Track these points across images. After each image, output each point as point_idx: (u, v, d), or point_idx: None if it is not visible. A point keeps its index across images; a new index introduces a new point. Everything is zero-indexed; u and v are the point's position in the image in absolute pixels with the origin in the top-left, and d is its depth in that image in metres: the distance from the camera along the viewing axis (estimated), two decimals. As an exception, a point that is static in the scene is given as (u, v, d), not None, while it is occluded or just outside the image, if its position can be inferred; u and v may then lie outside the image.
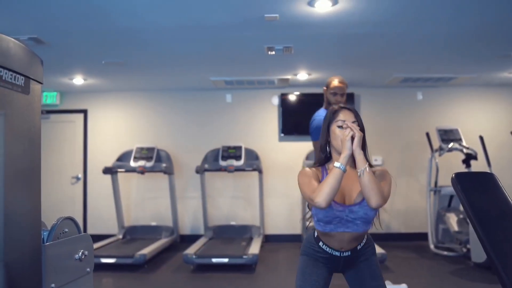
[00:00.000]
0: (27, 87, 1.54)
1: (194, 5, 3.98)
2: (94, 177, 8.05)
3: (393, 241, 7.39)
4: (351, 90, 7.94)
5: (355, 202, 2.25)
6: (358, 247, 2.35)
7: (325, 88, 4.36)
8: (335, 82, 4.27)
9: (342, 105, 2.40)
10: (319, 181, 2.29)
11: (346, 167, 2.18)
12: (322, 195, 2.12)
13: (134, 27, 4.60)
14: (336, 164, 2.15)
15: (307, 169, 2.36)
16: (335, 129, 2.32)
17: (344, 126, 2.25)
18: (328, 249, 2.34)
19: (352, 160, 2.27)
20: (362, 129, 2.30)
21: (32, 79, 1.57)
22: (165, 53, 5.65)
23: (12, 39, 1.49)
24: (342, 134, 2.26)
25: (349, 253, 2.34)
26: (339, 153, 2.27)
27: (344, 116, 2.32)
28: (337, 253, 2.34)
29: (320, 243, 2.36)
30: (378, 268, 2.40)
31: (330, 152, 2.38)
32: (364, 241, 2.37)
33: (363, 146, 2.28)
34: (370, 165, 2.30)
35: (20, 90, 1.50)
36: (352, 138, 2.18)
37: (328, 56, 5.98)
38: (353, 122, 2.30)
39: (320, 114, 4.26)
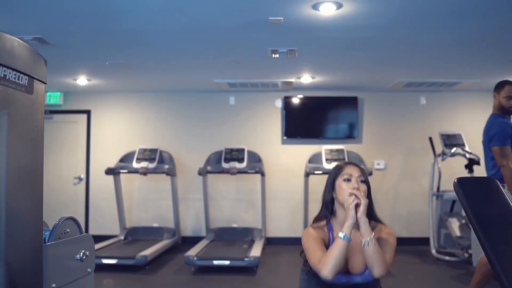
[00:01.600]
0: (30, 87, 1.54)
1: (198, 7, 3.99)
2: (96, 177, 8.06)
3: (395, 246, 7.36)
4: (354, 94, 7.95)
5: (358, 273, 2.24)
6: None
7: (495, 93, 4.17)
8: (508, 87, 4.08)
9: (347, 161, 2.39)
10: (324, 243, 2.28)
11: (351, 232, 2.17)
12: (327, 268, 2.12)
13: (138, 29, 4.61)
14: (340, 234, 2.11)
15: (311, 230, 2.33)
16: (341, 183, 2.30)
17: (350, 192, 2.19)
18: None
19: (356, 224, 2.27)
20: (367, 184, 2.30)
21: (36, 79, 1.58)
22: (169, 55, 5.66)
23: (17, 39, 1.49)
24: (348, 187, 2.26)
25: None
26: (344, 208, 2.25)
27: (350, 170, 2.31)
28: None
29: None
30: None
31: (334, 209, 2.36)
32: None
33: (370, 197, 2.30)
34: (376, 220, 2.33)
35: (24, 90, 1.50)
36: (357, 205, 2.15)
37: (332, 60, 5.98)
38: (359, 176, 2.29)
39: (496, 119, 4.07)
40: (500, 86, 4.16)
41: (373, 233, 2.14)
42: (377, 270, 2.14)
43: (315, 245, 2.25)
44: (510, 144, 3.96)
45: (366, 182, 2.31)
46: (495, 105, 4.20)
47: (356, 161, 7.19)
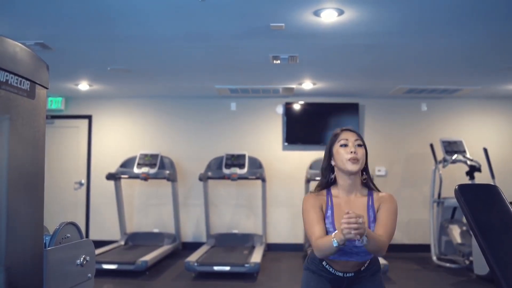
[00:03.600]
0: (32, 91, 1.55)
1: (200, 14, 4.00)
2: (97, 182, 8.05)
3: (396, 252, 7.36)
4: (355, 100, 7.95)
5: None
6: (362, 268, 2.33)
7: None
8: None
9: (344, 127, 2.38)
10: (323, 211, 2.28)
11: (351, 195, 2.26)
12: (318, 252, 2.17)
13: (140, 35, 4.62)
14: (334, 242, 2.03)
15: (311, 198, 2.33)
16: (338, 149, 2.30)
17: (345, 227, 2.00)
18: (331, 269, 2.32)
19: (359, 186, 2.31)
20: (365, 148, 2.31)
21: (38, 84, 1.58)
22: (171, 60, 5.67)
23: (19, 44, 1.50)
24: (346, 152, 2.26)
25: (353, 274, 2.32)
26: (344, 172, 2.27)
27: (347, 135, 2.31)
28: (340, 274, 2.32)
29: (324, 263, 2.34)
30: (382, 284, 2.38)
31: (333, 176, 2.36)
32: (368, 262, 2.35)
33: (365, 168, 2.32)
34: (374, 188, 2.33)
35: (26, 94, 1.51)
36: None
37: (333, 66, 5.99)
38: (355, 140, 2.29)
39: None
40: None
41: (367, 231, 2.07)
42: (380, 253, 2.18)
43: (313, 217, 2.25)
44: None
45: (363, 145, 2.31)
46: None
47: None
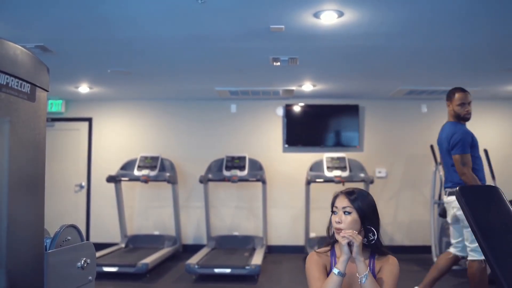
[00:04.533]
0: (33, 94, 1.55)
1: (199, 16, 4.00)
2: (97, 185, 8.05)
3: (396, 254, 7.27)
4: (356, 102, 7.96)
5: None
6: None
7: (448, 102, 4.23)
8: (462, 94, 4.15)
9: (343, 189, 2.32)
10: (326, 270, 2.27)
11: (347, 265, 2.16)
12: None
13: (140, 37, 4.63)
14: (335, 270, 2.10)
15: (315, 256, 2.32)
16: (332, 216, 2.30)
17: (340, 233, 2.15)
18: None
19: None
20: (363, 211, 2.24)
21: (38, 87, 1.58)
22: (171, 63, 5.68)
23: (19, 47, 1.50)
24: (334, 220, 2.25)
25: None
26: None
27: (338, 202, 2.27)
28: None
29: None
30: None
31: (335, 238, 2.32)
32: None
33: (374, 224, 2.26)
34: (381, 252, 2.29)
35: (26, 97, 1.51)
36: (350, 244, 2.12)
37: (333, 68, 5.99)
38: (344, 208, 2.23)
39: (456, 127, 4.16)
40: (451, 94, 4.23)
41: (368, 270, 2.11)
42: None
43: (315, 273, 2.24)
44: (470, 152, 4.06)
45: (357, 210, 2.23)
46: (450, 114, 4.26)
47: (357, 169, 7.20)
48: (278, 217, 7.95)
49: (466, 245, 4.11)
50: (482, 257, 3.93)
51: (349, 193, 2.27)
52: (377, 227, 2.27)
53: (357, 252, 2.10)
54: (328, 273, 2.27)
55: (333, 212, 2.29)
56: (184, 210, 7.94)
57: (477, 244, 3.93)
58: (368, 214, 2.24)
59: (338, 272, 2.10)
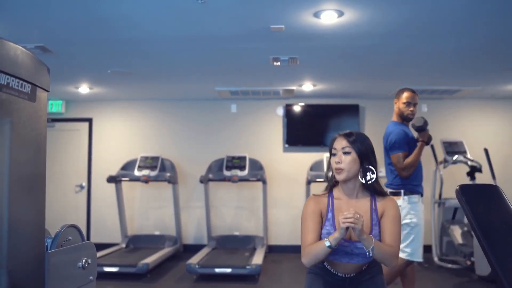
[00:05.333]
0: (33, 94, 1.55)
1: (200, 16, 4.00)
2: (98, 185, 8.06)
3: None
4: (356, 101, 7.96)
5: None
6: (363, 268, 2.33)
7: (395, 100, 4.24)
8: (409, 94, 4.15)
9: (341, 132, 2.37)
10: (322, 216, 2.29)
11: (352, 197, 2.25)
12: (307, 259, 2.21)
13: (140, 37, 4.63)
14: (326, 242, 2.10)
15: (311, 202, 2.33)
16: (331, 159, 2.34)
17: (342, 220, 2.08)
18: (333, 270, 2.33)
19: (360, 189, 2.30)
20: (362, 152, 2.28)
21: (39, 87, 1.58)
22: (171, 63, 5.68)
23: (20, 47, 1.50)
24: (334, 162, 2.29)
25: (354, 275, 2.33)
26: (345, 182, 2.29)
27: (337, 144, 2.32)
28: (342, 275, 2.33)
29: (325, 264, 2.34)
30: (384, 286, 2.38)
31: (336, 180, 2.35)
32: (368, 264, 2.34)
33: (372, 164, 2.30)
34: (380, 193, 2.31)
35: (27, 97, 1.51)
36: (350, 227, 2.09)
37: (333, 68, 5.99)
38: (342, 148, 2.28)
39: (394, 127, 4.17)
40: (400, 93, 4.22)
41: (374, 241, 2.11)
42: (389, 263, 2.17)
43: (308, 224, 2.28)
44: (407, 151, 4.07)
45: (356, 150, 2.27)
46: (395, 112, 4.27)
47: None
48: (278, 217, 7.95)
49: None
50: (408, 258, 4.00)
51: (347, 135, 2.32)
52: (376, 168, 2.31)
53: (359, 234, 2.08)
54: (323, 216, 2.29)
55: (332, 154, 2.32)
56: (184, 210, 7.94)
57: (405, 244, 3.93)
58: (366, 155, 2.30)
59: (329, 246, 2.11)
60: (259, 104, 8.06)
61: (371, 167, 2.28)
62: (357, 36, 4.55)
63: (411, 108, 4.15)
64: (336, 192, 2.35)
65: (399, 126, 4.16)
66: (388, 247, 2.16)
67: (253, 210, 7.97)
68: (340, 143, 2.30)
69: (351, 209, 2.10)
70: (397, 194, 4.04)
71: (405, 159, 4.04)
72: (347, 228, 2.06)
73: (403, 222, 3.96)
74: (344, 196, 2.32)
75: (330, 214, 2.28)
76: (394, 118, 4.27)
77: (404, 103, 4.14)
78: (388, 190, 4.17)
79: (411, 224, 4.02)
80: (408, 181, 4.06)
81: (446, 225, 6.86)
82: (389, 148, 4.14)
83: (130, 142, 8.13)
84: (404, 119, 4.21)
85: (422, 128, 4.22)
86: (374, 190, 2.31)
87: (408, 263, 4.04)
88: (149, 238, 7.66)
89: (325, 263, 2.34)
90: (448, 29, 4.36)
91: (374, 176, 2.27)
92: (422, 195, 4.22)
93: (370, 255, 2.10)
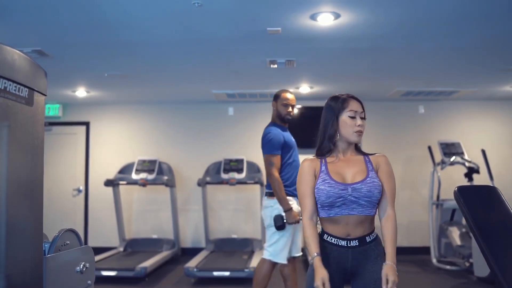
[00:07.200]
0: (31, 98, 1.54)
1: (196, 19, 4.00)
2: (95, 189, 8.04)
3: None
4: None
5: (358, 180, 2.27)
6: (367, 239, 2.31)
7: (274, 102, 4.22)
8: (288, 95, 4.16)
9: (349, 94, 2.43)
10: (315, 176, 2.34)
11: (346, 155, 2.37)
12: (304, 235, 2.37)
13: (136, 40, 4.63)
14: (314, 254, 2.24)
15: (306, 164, 2.39)
16: (346, 119, 2.34)
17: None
18: (334, 239, 2.29)
19: (353, 149, 2.40)
20: (365, 119, 2.38)
21: (36, 91, 1.58)
22: (167, 66, 5.68)
23: (17, 51, 1.50)
24: (353, 124, 2.32)
25: (357, 242, 2.28)
26: (347, 142, 2.35)
27: (355, 106, 2.36)
28: (344, 243, 2.28)
29: (325, 236, 2.32)
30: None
31: (334, 143, 2.38)
32: (373, 234, 2.33)
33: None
34: (364, 152, 2.42)
35: (24, 101, 1.51)
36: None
37: (330, 70, 6.00)
38: (361, 112, 2.36)
39: (269, 128, 4.14)
40: (279, 94, 4.21)
41: (393, 263, 2.32)
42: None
43: (305, 188, 2.34)
44: (280, 153, 4.06)
45: (364, 117, 2.39)
46: (273, 114, 4.26)
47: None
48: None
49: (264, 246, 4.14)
50: (270, 258, 4.01)
51: (359, 100, 2.42)
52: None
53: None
54: (319, 172, 2.34)
55: (350, 117, 2.34)
56: (182, 214, 7.92)
57: (269, 244, 3.95)
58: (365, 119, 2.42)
59: (313, 257, 2.23)
60: (256, 107, 8.06)
61: None
62: (353, 38, 4.56)
63: (289, 109, 4.16)
64: (328, 157, 2.40)
65: (276, 128, 4.14)
66: (391, 231, 2.37)
67: (251, 213, 7.96)
68: (359, 107, 2.37)
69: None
70: (272, 195, 4.01)
71: (277, 162, 4.02)
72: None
73: (272, 222, 3.96)
74: (339, 155, 2.38)
75: (323, 167, 2.33)
76: (273, 119, 4.26)
77: (283, 104, 4.15)
78: (266, 190, 4.16)
79: None
80: (284, 183, 4.01)
81: (444, 227, 6.86)
82: (262, 149, 4.12)
83: (127, 146, 8.12)
84: (283, 120, 4.20)
85: (282, 227, 4.03)
86: (363, 151, 2.44)
87: (272, 264, 4.04)
88: (147, 241, 7.65)
89: (325, 236, 2.33)
90: (443, 31, 4.37)
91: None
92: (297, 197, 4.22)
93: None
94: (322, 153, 2.42)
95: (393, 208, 2.38)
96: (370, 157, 2.39)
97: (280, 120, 4.21)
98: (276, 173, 3.97)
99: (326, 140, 2.41)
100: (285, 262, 4.06)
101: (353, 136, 2.33)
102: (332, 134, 2.38)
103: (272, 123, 4.22)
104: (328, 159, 2.37)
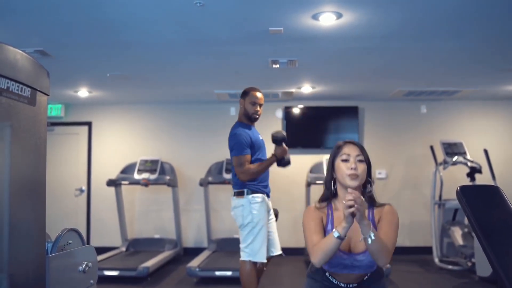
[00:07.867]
0: (33, 98, 1.55)
1: (198, 19, 4.01)
2: (98, 189, 8.05)
3: (397, 255, 7.27)
4: (355, 103, 7.96)
5: (360, 251, 2.21)
6: (365, 278, 2.32)
7: (241, 99, 4.18)
8: (257, 93, 4.13)
9: (347, 140, 2.36)
10: (323, 224, 2.28)
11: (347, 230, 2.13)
12: (317, 257, 2.14)
13: (138, 41, 4.63)
14: (335, 233, 2.06)
15: (312, 209, 2.33)
16: (339, 164, 2.27)
17: (347, 202, 2.04)
18: (334, 280, 2.32)
19: None
20: (368, 162, 2.29)
21: (39, 91, 1.58)
22: (170, 66, 5.68)
23: (20, 51, 1.50)
24: (347, 167, 2.24)
25: (356, 285, 2.31)
26: (345, 187, 2.24)
27: (349, 150, 2.28)
28: (344, 285, 2.31)
29: (327, 274, 2.33)
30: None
31: (335, 188, 2.33)
32: (370, 273, 2.33)
33: (370, 177, 2.30)
34: (376, 205, 2.31)
35: (27, 101, 1.51)
36: (354, 214, 2.03)
37: (332, 69, 5.99)
38: (357, 155, 2.26)
39: (236, 129, 4.10)
40: (247, 92, 4.17)
41: (374, 230, 2.08)
42: (382, 261, 2.13)
43: (312, 227, 2.25)
44: (249, 152, 4.04)
45: (365, 161, 2.28)
46: (240, 112, 4.22)
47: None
48: (278, 219, 7.92)
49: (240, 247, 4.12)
50: (249, 258, 4.01)
51: (356, 143, 2.34)
52: (372, 180, 2.34)
53: (361, 218, 2.04)
54: (324, 226, 2.28)
55: (343, 160, 2.27)
56: (184, 213, 7.93)
57: (246, 245, 3.94)
58: (370, 166, 2.31)
59: (338, 236, 2.06)
60: (258, 107, 8.05)
61: (370, 179, 2.31)
62: (355, 38, 4.56)
63: (257, 108, 4.13)
64: (335, 202, 2.34)
65: (243, 127, 4.11)
66: (383, 240, 2.13)
67: (253, 212, 7.94)
68: (354, 150, 2.28)
69: (351, 190, 2.06)
70: (241, 194, 4.03)
71: (248, 162, 4.00)
72: (353, 215, 2.02)
73: (245, 222, 3.97)
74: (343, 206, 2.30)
75: (330, 226, 2.27)
76: (239, 118, 4.23)
77: (250, 103, 4.11)
78: (233, 191, 4.16)
79: (251, 225, 4.01)
80: (253, 181, 4.03)
81: (447, 226, 6.86)
82: (230, 150, 4.09)
83: (129, 146, 8.13)
84: (250, 119, 4.17)
85: (276, 139, 4.15)
86: (372, 201, 2.32)
87: (253, 264, 4.03)
88: (149, 241, 7.65)
89: (326, 274, 2.32)
90: (446, 30, 4.37)
91: (372, 188, 2.31)
92: (268, 196, 4.26)
93: (369, 242, 2.07)
94: (322, 202, 2.37)
95: (391, 246, 2.18)
96: (375, 210, 2.31)
97: (247, 119, 4.17)
98: (247, 169, 3.99)
99: (325, 188, 2.38)
100: (264, 261, 4.07)
101: (346, 180, 2.23)
102: (328, 180, 2.35)
103: (239, 123, 4.19)
104: (335, 213, 2.30)
